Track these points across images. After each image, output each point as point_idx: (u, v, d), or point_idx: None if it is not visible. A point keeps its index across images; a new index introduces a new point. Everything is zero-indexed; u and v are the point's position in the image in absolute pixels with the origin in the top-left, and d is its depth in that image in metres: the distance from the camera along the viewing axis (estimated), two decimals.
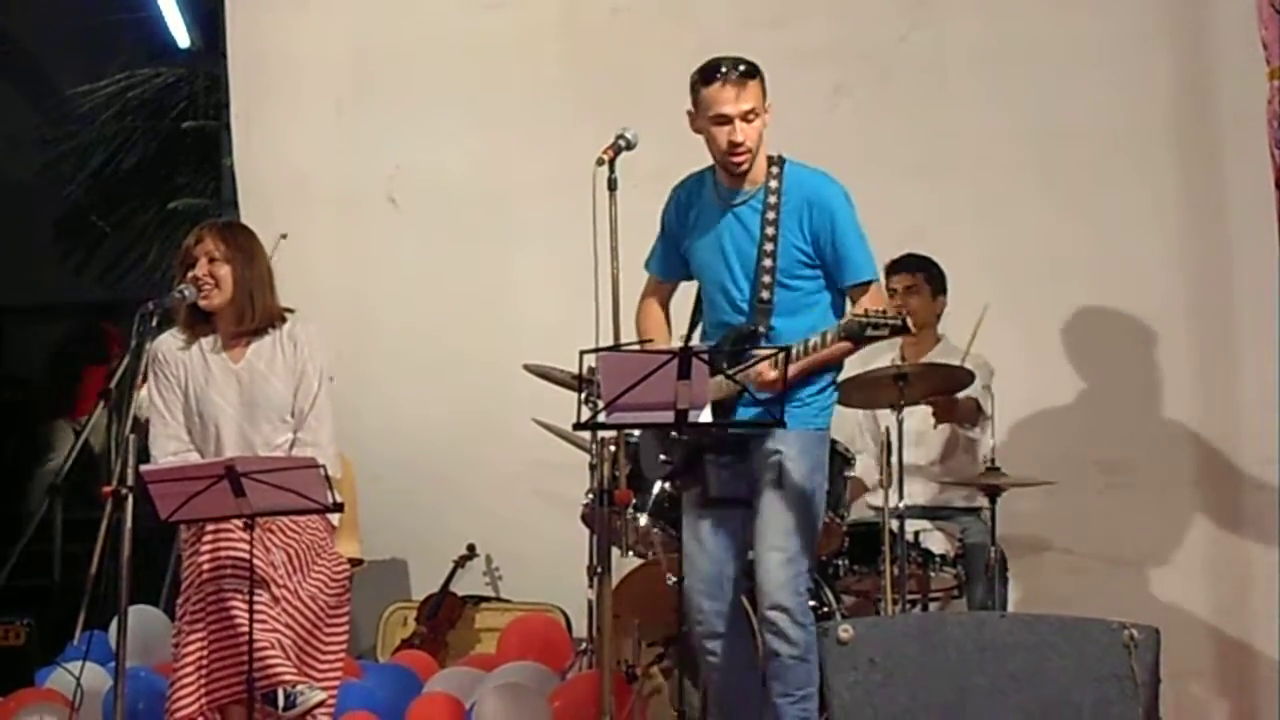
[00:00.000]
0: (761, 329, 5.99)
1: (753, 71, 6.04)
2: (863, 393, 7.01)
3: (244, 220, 9.10)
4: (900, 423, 6.98)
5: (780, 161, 6.13)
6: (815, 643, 5.88)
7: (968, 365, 7.29)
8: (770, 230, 6.03)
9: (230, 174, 10.09)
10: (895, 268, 7.76)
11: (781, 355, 5.67)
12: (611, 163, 6.03)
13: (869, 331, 5.64)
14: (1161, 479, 8.09)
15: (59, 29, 14.78)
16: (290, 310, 6.65)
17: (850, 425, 7.76)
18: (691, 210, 6.28)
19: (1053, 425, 8.14)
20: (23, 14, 15.57)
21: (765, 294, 6.01)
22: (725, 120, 6.00)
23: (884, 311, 5.68)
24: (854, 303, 5.98)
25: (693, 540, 6.18)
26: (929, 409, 7.48)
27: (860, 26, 8.74)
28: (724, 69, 6.00)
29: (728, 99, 6.00)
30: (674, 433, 5.99)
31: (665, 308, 6.43)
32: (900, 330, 5.65)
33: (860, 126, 8.55)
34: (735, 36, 8.56)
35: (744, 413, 5.90)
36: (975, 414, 7.58)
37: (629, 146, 6.10)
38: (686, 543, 6.21)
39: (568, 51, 9.30)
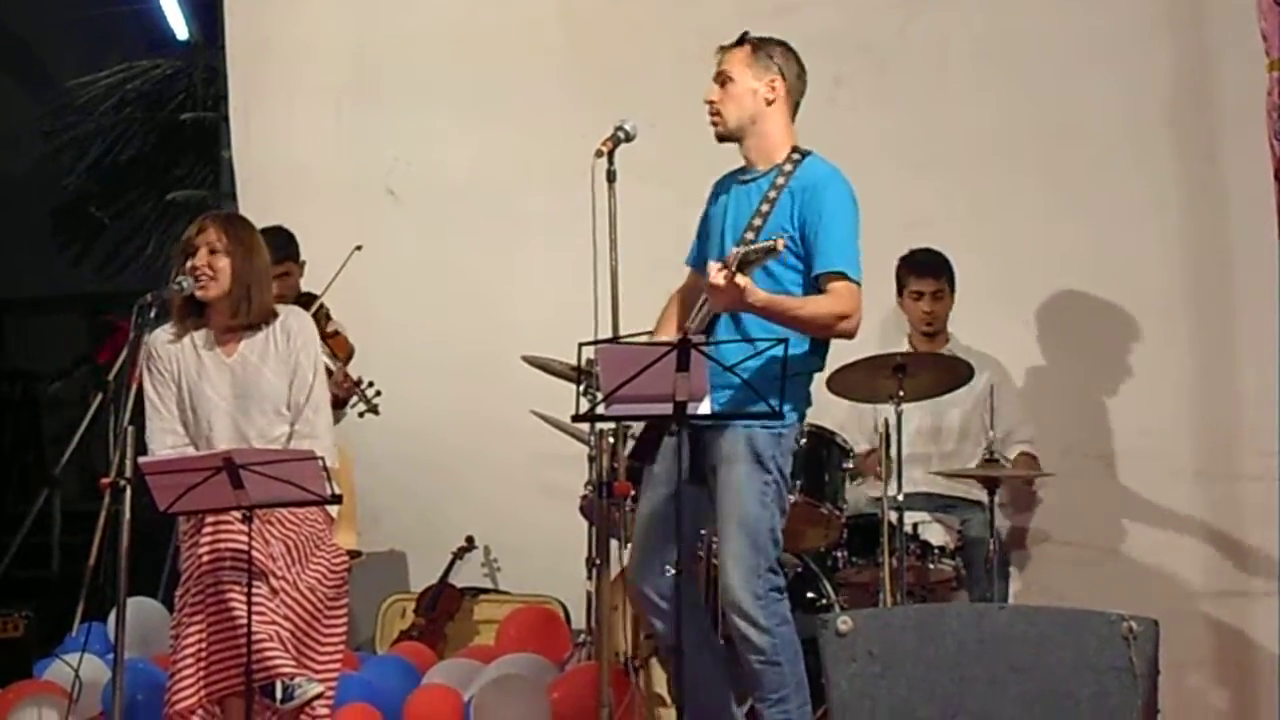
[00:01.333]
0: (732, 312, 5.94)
1: (741, 40, 6.16)
2: (862, 384, 6.99)
3: (242, 212, 9.10)
4: (899, 415, 6.96)
5: (804, 153, 6.12)
6: (787, 644, 5.88)
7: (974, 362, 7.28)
8: (765, 208, 6.02)
9: (229, 166, 10.10)
10: (917, 268, 7.75)
11: (732, 255, 5.62)
12: (610, 154, 6.03)
13: (749, 256, 5.55)
14: (1161, 471, 8.08)
15: (58, 21, 14.80)
16: (312, 297, 6.63)
17: (844, 415, 7.73)
18: (718, 195, 6.29)
19: (1052, 417, 8.13)
20: (21, 6, 15.58)
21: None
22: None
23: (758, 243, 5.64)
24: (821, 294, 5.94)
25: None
26: (933, 403, 7.50)
27: (860, 17, 8.73)
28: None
29: (716, 62, 6.15)
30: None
31: (695, 298, 6.29)
32: (770, 252, 5.53)
33: (859, 118, 8.54)
34: (735, 26, 8.51)
35: (724, 394, 5.79)
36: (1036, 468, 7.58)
37: (628, 138, 6.10)
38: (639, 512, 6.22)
39: (567, 42, 9.30)
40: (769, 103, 6.12)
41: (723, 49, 6.17)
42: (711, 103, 6.14)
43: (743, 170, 6.20)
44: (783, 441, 6.01)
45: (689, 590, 6.10)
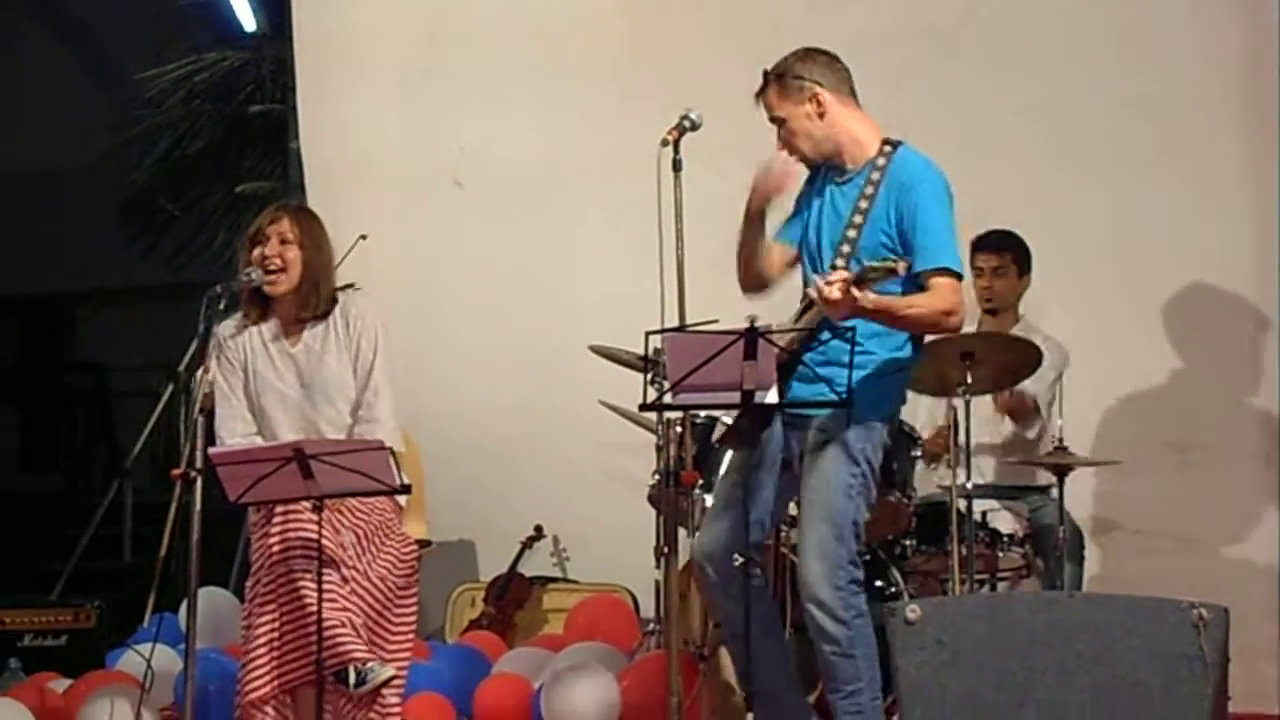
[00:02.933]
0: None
1: (765, 82, 6.04)
2: (930, 374, 6.96)
3: (310, 202, 9.17)
4: (968, 402, 6.94)
5: (895, 144, 6.03)
6: (863, 637, 5.84)
7: (1044, 348, 7.24)
8: (864, 204, 5.93)
9: (297, 157, 10.14)
10: (981, 245, 7.69)
11: (852, 275, 5.51)
12: (676, 144, 6.02)
13: (867, 275, 5.51)
14: (1232, 458, 8.04)
15: (126, 14, 14.89)
16: (350, 286, 6.66)
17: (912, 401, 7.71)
18: (812, 186, 6.21)
19: (1121, 405, 8.10)
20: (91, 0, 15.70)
21: (840, 263, 5.86)
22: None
23: (886, 257, 5.58)
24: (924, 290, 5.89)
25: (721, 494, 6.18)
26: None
27: (924, 4, 8.70)
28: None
29: (765, 109, 6.06)
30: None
31: (774, 267, 6.19)
32: (890, 272, 5.48)
33: (927, 105, 8.51)
34: (800, 17, 8.55)
35: (808, 391, 5.79)
36: (1030, 413, 7.52)
37: (694, 127, 6.08)
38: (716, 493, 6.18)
39: (632, 31, 9.29)
40: (823, 116, 6.04)
41: (758, 98, 6.06)
42: (783, 150, 6.03)
43: (838, 170, 6.10)
44: (874, 435, 5.94)
45: (755, 575, 6.09)
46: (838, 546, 5.84)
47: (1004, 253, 7.74)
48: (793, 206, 6.20)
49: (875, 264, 5.47)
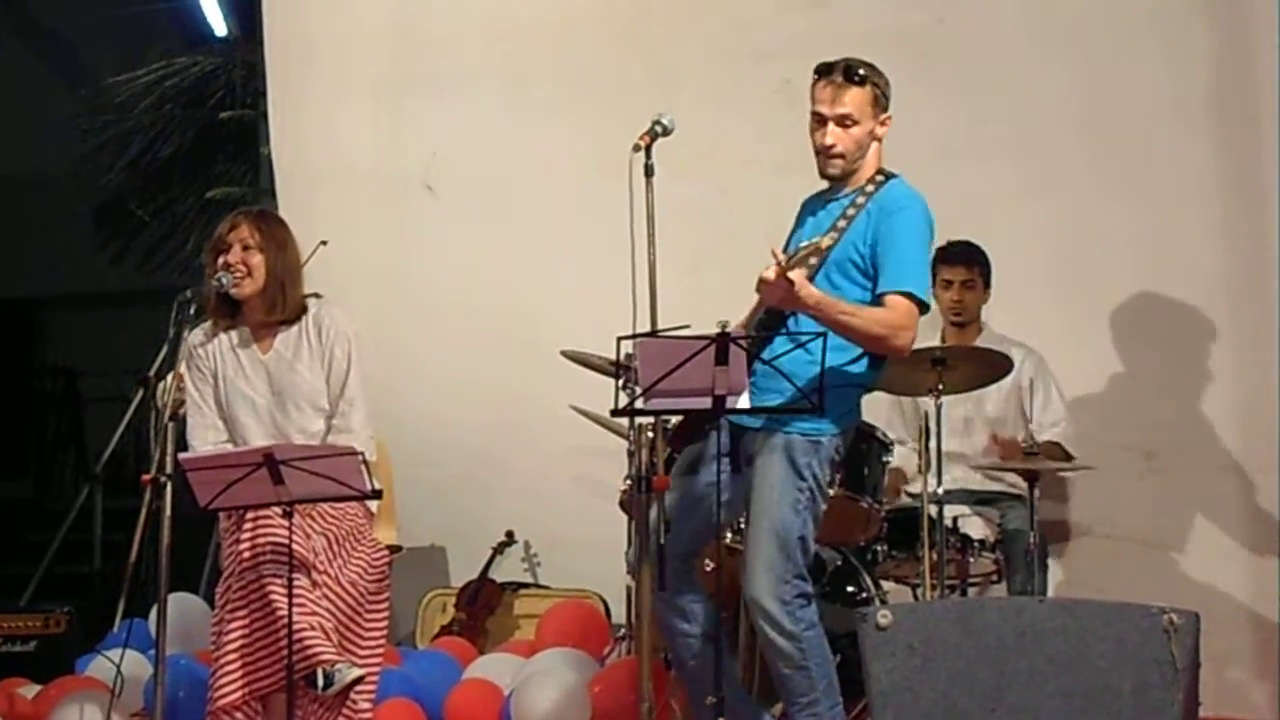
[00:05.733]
0: (788, 311, 5.90)
1: (862, 80, 5.97)
2: (901, 377, 6.98)
3: (282, 208, 9.17)
4: (939, 408, 6.96)
5: (888, 175, 6.06)
6: (815, 648, 5.85)
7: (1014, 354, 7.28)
8: (841, 224, 5.93)
9: (268, 162, 10.14)
10: (949, 258, 7.70)
11: (784, 257, 5.57)
12: (648, 148, 5.99)
13: (799, 253, 5.53)
14: (1201, 463, 8.06)
15: (96, 18, 14.86)
16: (316, 295, 6.66)
17: (886, 410, 7.73)
18: (806, 218, 6.23)
19: (1093, 409, 8.10)
20: (60, 3, 15.65)
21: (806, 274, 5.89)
22: (820, 120, 6.00)
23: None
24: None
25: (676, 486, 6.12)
26: (972, 400, 7.50)
27: (898, 8, 8.70)
28: (834, 70, 5.97)
29: (824, 99, 5.98)
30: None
31: None
32: (816, 250, 5.56)
33: (900, 109, 8.51)
34: (773, 19, 8.58)
35: (775, 398, 5.81)
36: (1021, 452, 7.49)
37: (666, 132, 6.06)
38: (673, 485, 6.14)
39: (604, 35, 9.29)
40: (879, 139, 6.07)
41: (833, 84, 5.97)
42: (831, 147, 5.99)
43: (830, 190, 6.13)
44: (820, 450, 5.93)
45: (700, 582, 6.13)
46: (784, 562, 5.85)
47: (973, 266, 7.76)
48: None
49: (804, 244, 5.50)
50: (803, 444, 5.89)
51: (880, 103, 6.03)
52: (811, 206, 6.22)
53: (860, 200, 5.98)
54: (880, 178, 6.05)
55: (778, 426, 5.88)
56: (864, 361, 5.99)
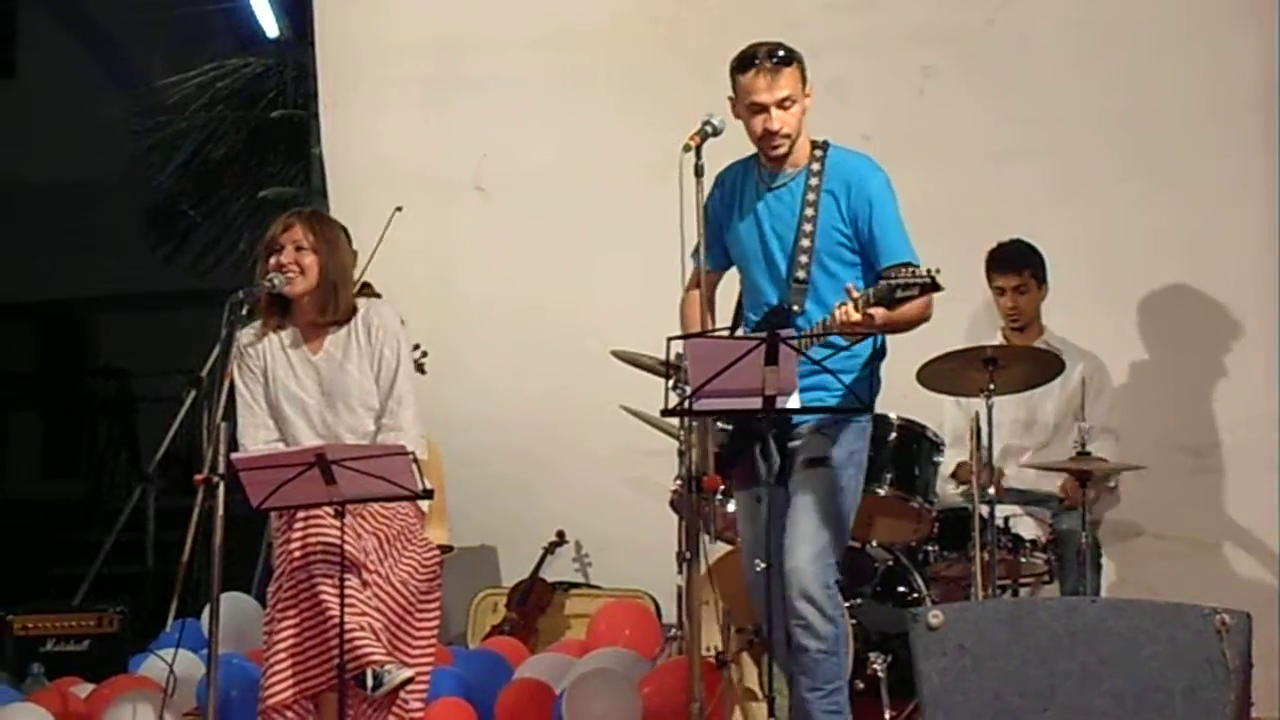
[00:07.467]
0: (795, 308, 5.94)
1: (789, 58, 5.99)
2: (953, 377, 6.97)
3: (333, 208, 9.20)
4: (990, 408, 6.94)
5: (824, 146, 6.09)
6: (845, 636, 5.90)
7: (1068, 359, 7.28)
8: (810, 211, 5.98)
9: (319, 162, 10.17)
10: (999, 265, 7.69)
11: (861, 296, 5.61)
12: (698, 149, 5.99)
13: (898, 294, 5.56)
14: (1254, 463, 8.02)
15: (148, 20, 14.94)
16: (370, 290, 6.67)
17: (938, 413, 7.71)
18: (735, 196, 6.23)
19: (1143, 409, 8.08)
20: (112, 5, 15.74)
21: (801, 273, 5.96)
22: (760, 108, 5.99)
23: (912, 270, 5.61)
24: None
25: (747, 524, 6.21)
26: (1026, 396, 7.48)
27: (947, 8, 8.70)
28: (758, 57, 5.98)
29: (762, 87, 5.98)
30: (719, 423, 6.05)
31: (710, 299, 6.28)
32: (930, 287, 5.54)
33: (948, 109, 8.51)
34: (822, 19, 8.56)
35: (826, 397, 5.86)
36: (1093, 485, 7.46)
37: (715, 133, 6.05)
38: (743, 529, 6.25)
39: (652, 36, 9.29)
40: (806, 112, 6.10)
41: (765, 70, 5.97)
42: (778, 131, 6.00)
43: (765, 175, 6.14)
44: (864, 434, 6.06)
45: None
46: (831, 547, 5.93)
47: (1023, 270, 7.72)
48: (702, 230, 6.07)
49: (899, 283, 5.52)
50: (852, 430, 6.00)
51: (805, 76, 6.05)
52: (744, 189, 6.21)
53: (814, 181, 6.02)
54: (818, 151, 6.08)
55: (821, 417, 5.94)
56: (876, 338, 6.06)
